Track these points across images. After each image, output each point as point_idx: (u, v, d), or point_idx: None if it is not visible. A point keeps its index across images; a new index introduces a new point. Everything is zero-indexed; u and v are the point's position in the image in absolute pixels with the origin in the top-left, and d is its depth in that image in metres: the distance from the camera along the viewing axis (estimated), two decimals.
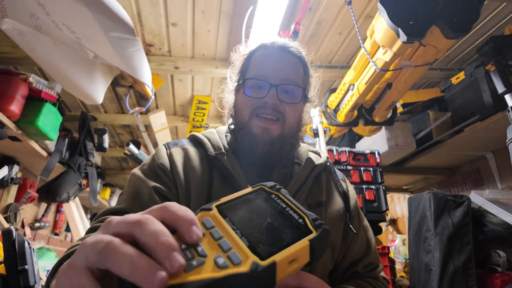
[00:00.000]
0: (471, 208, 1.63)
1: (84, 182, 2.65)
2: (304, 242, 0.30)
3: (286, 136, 0.72)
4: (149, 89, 2.19)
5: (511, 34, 1.66)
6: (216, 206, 0.33)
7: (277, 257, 0.28)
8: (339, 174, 0.83)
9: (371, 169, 1.93)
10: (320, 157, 0.80)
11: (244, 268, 0.26)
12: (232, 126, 0.78)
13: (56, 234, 3.15)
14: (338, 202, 0.75)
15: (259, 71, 0.73)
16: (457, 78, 2.13)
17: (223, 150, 0.72)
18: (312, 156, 0.79)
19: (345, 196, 0.77)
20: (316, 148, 0.86)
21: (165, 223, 0.28)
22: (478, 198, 1.64)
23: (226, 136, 0.80)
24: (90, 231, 0.59)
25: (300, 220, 0.32)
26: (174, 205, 0.29)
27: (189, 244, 0.28)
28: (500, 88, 1.47)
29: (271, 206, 0.34)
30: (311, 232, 0.31)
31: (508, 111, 1.42)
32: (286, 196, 0.36)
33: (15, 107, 1.79)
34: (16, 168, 2.31)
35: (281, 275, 0.28)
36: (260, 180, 0.73)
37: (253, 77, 0.73)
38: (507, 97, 1.46)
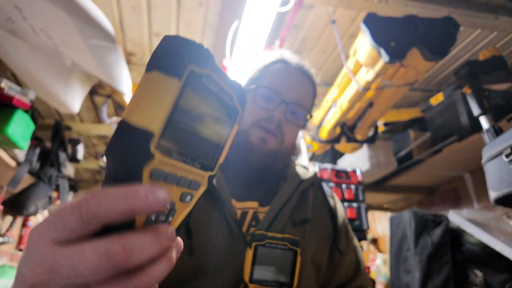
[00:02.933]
0: (449, 228, 1.64)
1: (55, 194, 2.50)
2: (235, 127, 0.29)
3: (280, 155, 0.70)
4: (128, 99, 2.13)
5: (485, 59, 1.72)
6: (157, 148, 0.23)
7: (221, 158, 0.29)
8: (328, 190, 0.80)
9: (352, 186, 1.93)
10: (308, 171, 0.78)
11: (203, 187, 0.28)
12: None
13: (21, 250, 2.94)
14: (325, 220, 0.72)
15: (274, 84, 0.71)
16: (436, 99, 2.19)
17: None
18: (300, 170, 0.76)
19: (332, 213, 0.74)
20: (305, 163, 0.83)
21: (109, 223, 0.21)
22: (456, 217, 1.66)
23: None
24: None
25: (231, 103, 0.28)
26: (99, 195, 0.21)
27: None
28: (476, 111, 1.51)
29: (207, 100, 0.26)
30: (237, 111, 0.29)
31: (483, 133, 1.46)
32: (215, 71, 0.26)
33: None
34: None
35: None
36: (245, 193, 0.70)
37: (267, 87, 0.71)
38: (482, 119, 1.50)
